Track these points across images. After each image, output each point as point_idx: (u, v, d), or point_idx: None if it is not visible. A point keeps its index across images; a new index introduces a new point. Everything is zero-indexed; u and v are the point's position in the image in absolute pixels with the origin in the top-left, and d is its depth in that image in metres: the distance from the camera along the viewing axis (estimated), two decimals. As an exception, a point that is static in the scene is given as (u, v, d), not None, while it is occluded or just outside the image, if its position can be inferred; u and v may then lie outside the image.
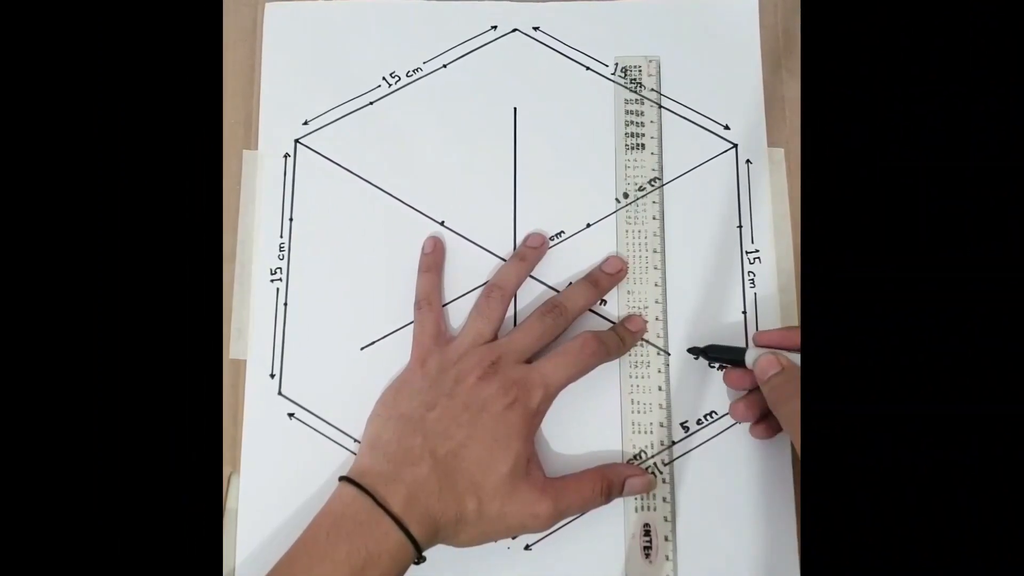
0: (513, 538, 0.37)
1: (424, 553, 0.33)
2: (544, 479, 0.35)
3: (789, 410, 0.34)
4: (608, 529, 0.37)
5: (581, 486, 0.35)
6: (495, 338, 0.37)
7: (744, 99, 0.43)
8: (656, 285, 0.40)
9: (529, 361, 0.37)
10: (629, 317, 0.39)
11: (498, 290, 0.38)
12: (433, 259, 0.40)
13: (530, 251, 0.40)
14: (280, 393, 0.39)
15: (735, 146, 0.42)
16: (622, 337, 0.38)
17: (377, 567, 0.32)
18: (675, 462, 0.38)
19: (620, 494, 0.36)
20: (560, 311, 0.38)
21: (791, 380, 0.34)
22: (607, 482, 0.36)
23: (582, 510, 0.36)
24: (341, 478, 0.34)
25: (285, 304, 0.40)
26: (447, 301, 0.40)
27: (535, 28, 0.44)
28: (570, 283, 0.40)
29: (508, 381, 0.35)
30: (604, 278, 0.39)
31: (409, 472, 0.33)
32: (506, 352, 0.36)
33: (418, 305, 0.39)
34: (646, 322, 0.39)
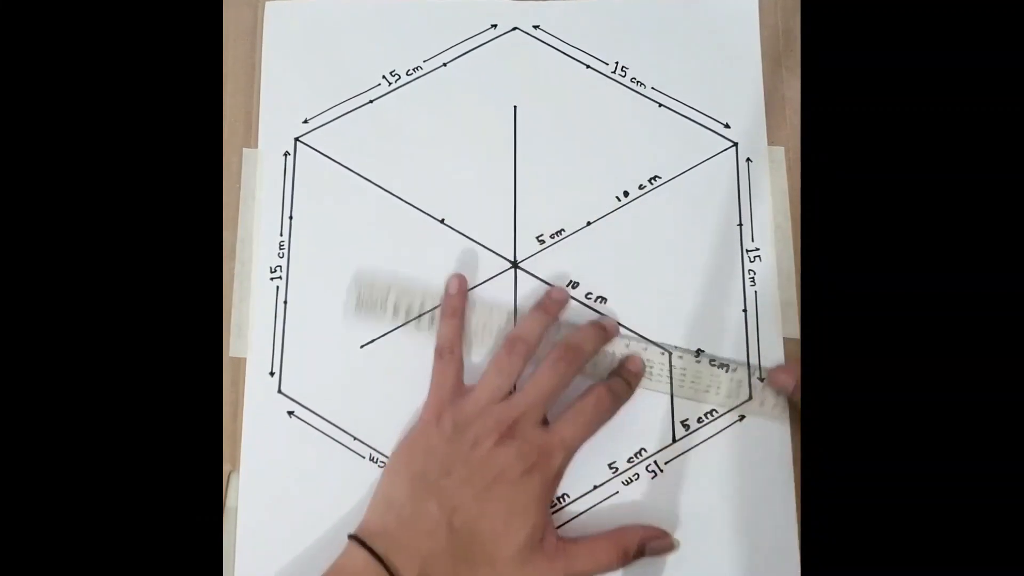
0: None
1: None
2: (557, 544, 0.34)
3: None
4: (609, 526, 0.37)
5: (596, 552, 0.35)
6: (512, 391, 0.36)
7: (744, 98, 0.43)
8: (656, 283, 0.40)
9: (546, 419, 0.36)
10: (629, 358, 0.39)
11: (522, 344, 0.37)
12: (458, 302, 0.39)
13: (553, 304, 0.39)
14: (280, 391, 0.39)
15: (735, 144, 0.42)
16: (628, 381, 0.38)
17: None
18: (676, 460, 0.38)
19: (641, 556, 0.36)
20: (573, 356, 0.36)
21: None
22: (622, 547, 0.35)
23: (596, 574, 0.35)
24: (351, 536, 0.34)
25: (285, 302, 0.40)
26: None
27: (535, 27, 0.44)
28: (571, 283, 0.40)
29: (526, 446, 0.34)
30: (613, 327, 0.39)
31: (424, 543, 0.33)
32: (524, 412, 0.35)
33: (439, 353, 0.38)
34: (644, 362, 0.39)
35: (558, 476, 0.35)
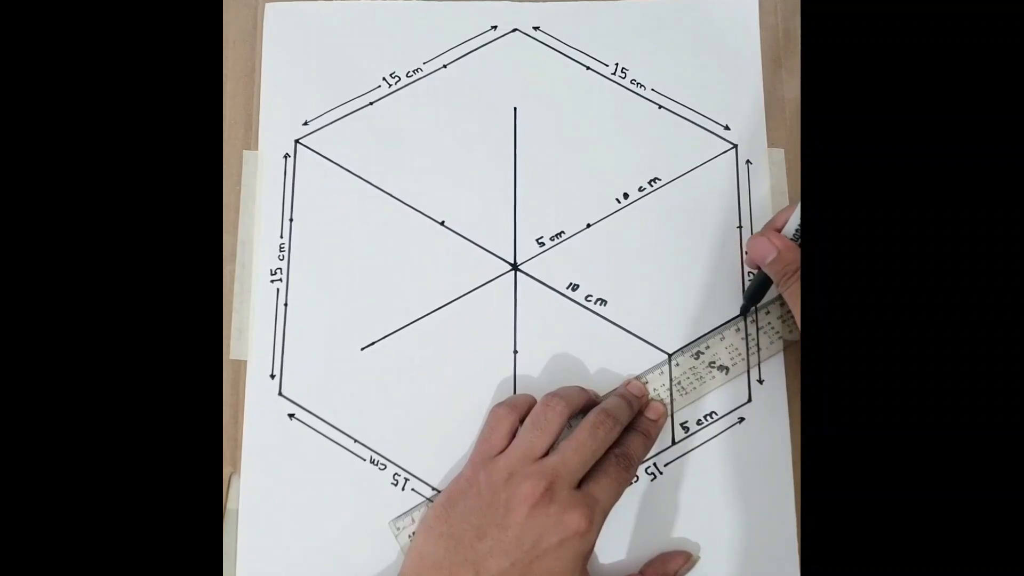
0: None
1: None
2: None
3: (790, 290, 0.35)
4: (609, 528, 0.37)
5: None
6: (548, 452, 0.35)
7: (744, 99, 0.43)
8: (656, 286, 0.40)
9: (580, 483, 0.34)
10: (629, 383, 0.39)
11: (560, 401, 0.36)
12: (582, 398, 0.37)
13: (628, 395, 0.38)
14: (280, 394, 0.39)
15: (735, 146, 0.42)
16: (646, 433, 0.37)
17: None
18: (675, 462, 0.38)
19: None
20: (612, 423, 0.35)
21: (786, 260, 0.36)
22: None
23: None
24: None
25: (285, 304, 0.40)
26: (446, 302, 0.40)
27: (535, 28, 0.44)
28: (571, 285, 0.40)
29: (562, 513, 0.33)
30: (644, 394, 0.39)
31: None
32: (559, 476, 0.33)
33: (506, 404, 0.37)
34: (646, 383, 0.39)
35: (593, 543, 0.34)
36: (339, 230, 0.41)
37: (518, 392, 0.39)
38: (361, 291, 0.40)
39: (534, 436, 0.35)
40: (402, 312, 0.40)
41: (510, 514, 0.33)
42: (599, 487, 0.34)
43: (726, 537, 0.38)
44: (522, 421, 0.36)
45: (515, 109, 0.43)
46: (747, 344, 0.39)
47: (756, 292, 0.39)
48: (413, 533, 0.37)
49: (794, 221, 0.36)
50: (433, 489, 0.38)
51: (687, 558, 0.37)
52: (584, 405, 0.37)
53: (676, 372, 0.39)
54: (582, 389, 0.38)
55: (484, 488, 0.34)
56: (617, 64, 0.43)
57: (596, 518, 0.33)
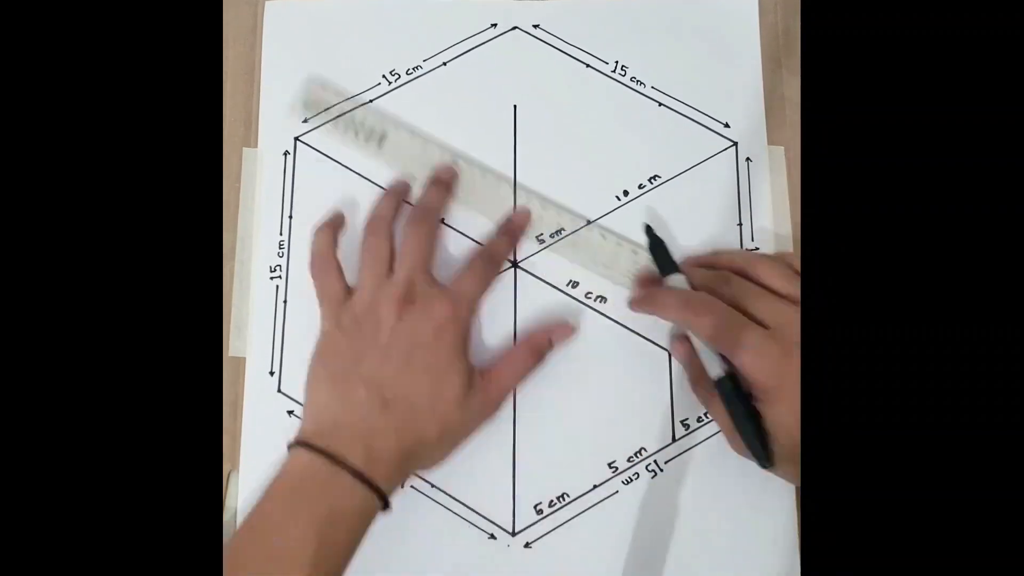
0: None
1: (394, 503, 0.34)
2: (482, 378, 0.36)
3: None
4: (609, 527, 0.37)
5: (516, 363, 0.37)
6: (391, 271, 0.37)
7: (744, 97, 0.43)
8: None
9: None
10: (515, 214, 0.41)
11: (381, 223, 0.38)
12: (335, 219, 0.40)
13: (399, 184, 0.41)
14: (280, 391, 0.39)
15: (735, 144, 0.42)
16: (509, 234, 0.40)
17: (343, 524, 0.32)
18: (676, 460, 0.38)
19: (551, 348, 0.38)
20: (426, 214, 0.38)
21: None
22: (536, 349, 0.38)
23: (523, 380, 0.38)
24: (291, 445, 0.34)
25: (285, 302, 0.40)
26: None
27: (535, 26, 0.44)
28: (571, 282, 0.40)
29: (427, 308, 0.36)
30: (447, 172, 0.41)
31: (362, 426, 0.34)
32: (409, 279, 0.36)
33: (315, 265, 0.39)
34: (529, 213, 0.40)
35: (467, 326, 0.36)
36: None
37: (517, 391, 0.39)
38: (361, 288, 0.40)
39: (373, 262, 0.37)
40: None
41: (380, 328, 0.35)
42: (460, 279, 0.37)
43: (726, 536, 0.37)
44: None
45: (515, 107, 0.43)
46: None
47: (657, 258, 0.39)
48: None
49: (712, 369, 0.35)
50: (433, 486, 0.38)
51: (559, 328, 0.39)
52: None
53: (676, 368, 0.39)
54: (391, 206, 0.39)
55: (348, 326, 0.36)
56: (617, 62, 0.43)
57: (461, 304, 0.36)
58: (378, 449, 0.33)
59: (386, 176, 0.42)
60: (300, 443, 0.34)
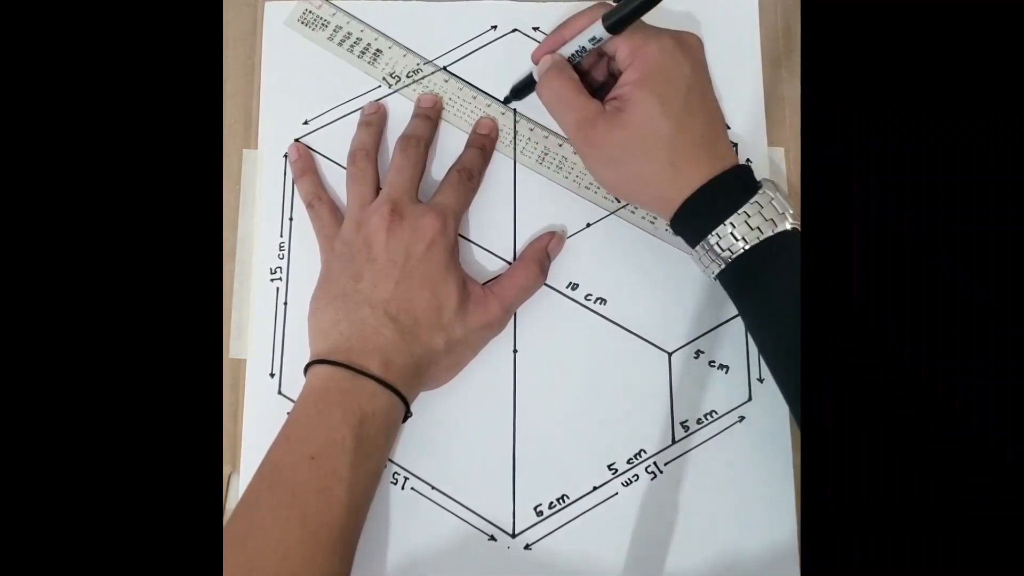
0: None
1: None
2: (483, 290, 0.38)
3: (546, 100, 0.38)
4: (609, 529, 0.37)
5: (518, 278, 0.39)
6: (377, 194, 0.38)
7: (744, 99, 0.43)
8: (656, 285, 0.40)
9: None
10: (478, 123, 0.42)
11: (361, 152, 0.40)
12: (305, 163, 0.41)
13: (372, 116, 0.42)
14: (280, 392, 0.39)
15: (735, 145, 0.42)
16: (481, 147, 0.41)
17: (373, 423, 0.34)
18: (675, 461, 0.38)
19: (549, 261, 0.40)
20: (416, 140, 0.39)
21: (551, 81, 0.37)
22: (537, 263, 0.39)
23: (527, 296, 0.39)
24: (308, 365, 0.36)
25: (285, 303, 0.40)
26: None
27: (535, 28, 0.44)
28: (571, 284, 0.40)
29: (415, 223, 0.37)
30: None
31: (374, 341, 0.35)
32: (395, 199, 0.37)
33: (310, 205, 0.40)
34: (494, 120, 0.42)
35: (455, 238, 0.38)
36: (339, 229, 0.41)
37: (517, 392, 0.39)
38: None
39: (360, 188, 0.39)
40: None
41: (373, 247, 0.37)
42: (443, 195, 0.39)
43: (726, 536, 0.37)
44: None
45: (515, 109, 0.43)
46: (747, 342, 0.39)
47: (521, 89, 0.41)
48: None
49: (576, 42, 0.37)
50: (433, 488, 0.38)
51: (552, 239, 0.40)
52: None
53: (676, 370, 0.39)
54: (371, 135, 0.41)
55: (341, 251, 0.38)
56: (617, 63, 0.43)
57: (448, 217, 0.37)
58: (393, 360, 0.35)
59: (386, 178, 0.42)
60: (318, 361, 0.35)
